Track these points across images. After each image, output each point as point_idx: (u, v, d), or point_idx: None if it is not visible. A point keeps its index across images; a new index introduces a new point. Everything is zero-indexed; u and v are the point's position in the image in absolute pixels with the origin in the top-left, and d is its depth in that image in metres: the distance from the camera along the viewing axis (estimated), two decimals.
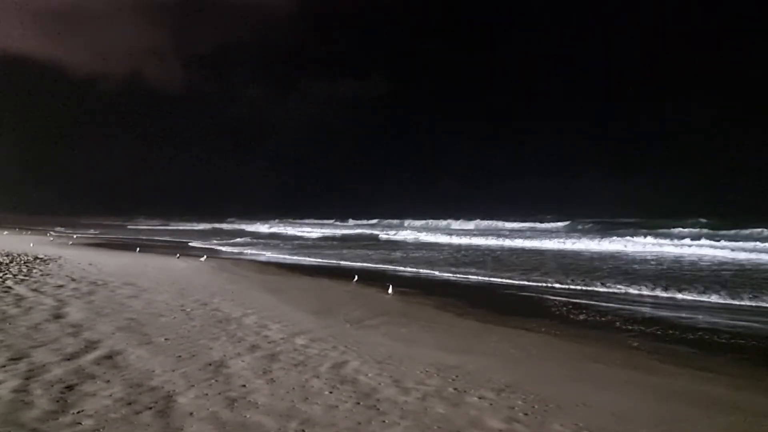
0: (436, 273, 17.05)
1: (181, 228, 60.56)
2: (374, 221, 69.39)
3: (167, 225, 70.74)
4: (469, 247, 29.64)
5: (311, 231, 48.56)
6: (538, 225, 50.34)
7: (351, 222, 70.74)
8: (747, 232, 32.86)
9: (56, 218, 79.26)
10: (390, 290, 12.03)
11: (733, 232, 32.67)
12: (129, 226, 62.67)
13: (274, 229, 53.15)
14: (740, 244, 25.07)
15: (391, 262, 20.55)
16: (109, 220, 78.02)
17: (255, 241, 35.84)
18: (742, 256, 21.10)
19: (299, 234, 46.11)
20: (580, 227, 45.81)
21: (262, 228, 55.67)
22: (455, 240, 35.27)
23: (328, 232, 48.24)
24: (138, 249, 23.70)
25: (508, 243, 31.49)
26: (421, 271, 17.74)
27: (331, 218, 77.85)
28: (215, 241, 34.12)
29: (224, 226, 64.91)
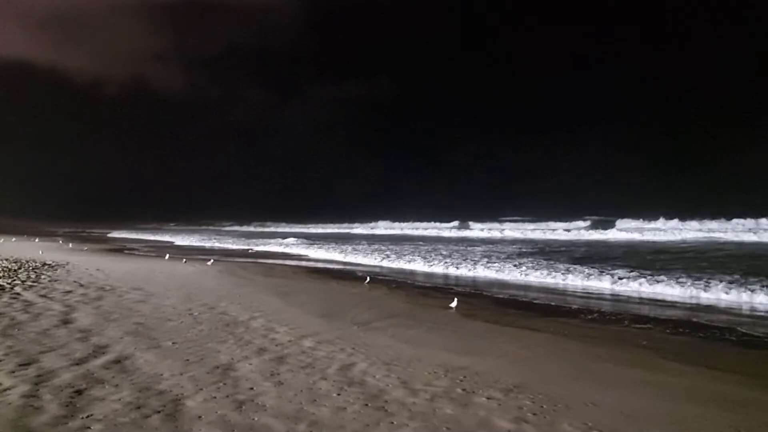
0: None
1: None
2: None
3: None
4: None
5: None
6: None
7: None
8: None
9: (49, 224, 79.76)
10: (454, 303, 10.36)
11: None
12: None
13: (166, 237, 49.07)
14: None
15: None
16: (97, 226, 78.08)
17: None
18: None
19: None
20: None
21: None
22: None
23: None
24: (167, 255, 23.28)
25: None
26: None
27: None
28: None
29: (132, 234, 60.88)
